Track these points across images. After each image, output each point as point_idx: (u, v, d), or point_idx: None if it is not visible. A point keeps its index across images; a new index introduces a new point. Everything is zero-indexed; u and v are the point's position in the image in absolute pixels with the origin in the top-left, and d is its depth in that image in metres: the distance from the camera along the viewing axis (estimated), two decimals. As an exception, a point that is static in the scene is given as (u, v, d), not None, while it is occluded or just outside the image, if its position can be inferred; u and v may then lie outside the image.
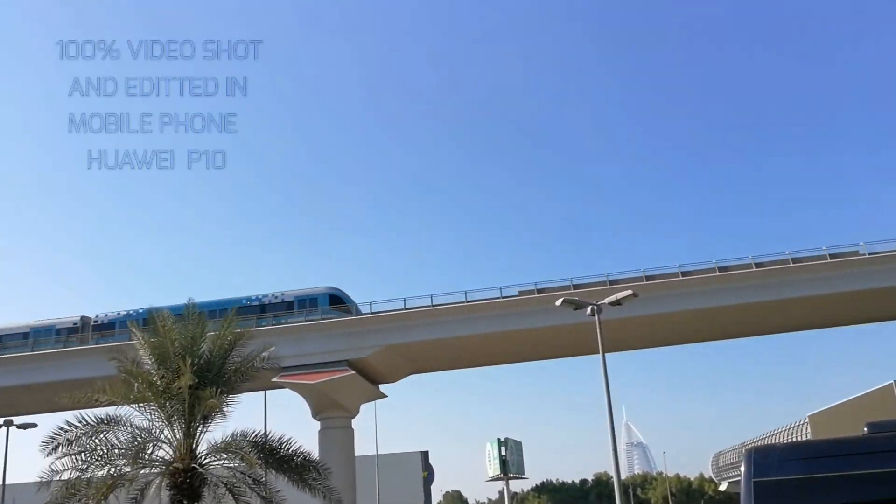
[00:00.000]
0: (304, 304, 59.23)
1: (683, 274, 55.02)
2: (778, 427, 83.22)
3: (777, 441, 73.90)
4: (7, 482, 43.69)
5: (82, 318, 62.32)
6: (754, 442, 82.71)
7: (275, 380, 52.58)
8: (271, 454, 23.78)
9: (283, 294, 60.68)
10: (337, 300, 59.87)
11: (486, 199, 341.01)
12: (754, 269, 54.19)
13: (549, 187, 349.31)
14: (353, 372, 55.89)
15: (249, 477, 23.50)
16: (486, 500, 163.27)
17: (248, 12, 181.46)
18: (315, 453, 26.12)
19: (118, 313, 61.67)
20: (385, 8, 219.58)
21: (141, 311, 57.22)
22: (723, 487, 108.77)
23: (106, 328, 61.09)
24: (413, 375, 66.02)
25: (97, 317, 62.65)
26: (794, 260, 54.18)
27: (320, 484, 24.28)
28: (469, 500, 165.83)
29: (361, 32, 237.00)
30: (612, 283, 53.55)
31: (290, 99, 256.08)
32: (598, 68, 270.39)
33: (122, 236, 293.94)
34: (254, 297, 60.52)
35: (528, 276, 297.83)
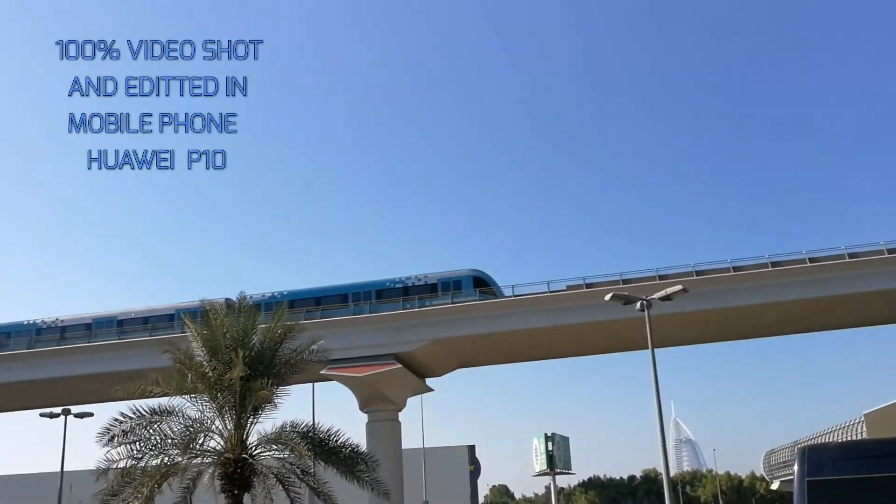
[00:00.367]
0: (448, 286, 58.38)
1: (735, 269, 54.16)
2: (832, 425, 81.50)
3: (831, 440, 72.40)
4: (65, 469, 44.96)
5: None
6: (808, 440, 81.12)
7: (323, 372, 53.18)
8: (320, 445, 23.98)
9: (426, 276, 59.78)
10: (481, 283, 58.76)
11: (530, 195, 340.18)
12: (808, 265, 53.10)
13: (599, 182, 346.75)
14: (400, 365, 56.22)
15: (298, 468, 23.76)
16: (532, 495, 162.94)
17: (248, 12, 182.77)
18: (362, 446, 26.22)
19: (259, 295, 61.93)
20: (385, 7, 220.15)
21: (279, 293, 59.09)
22: (775, 486, 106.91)
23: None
24: (460, 369, 66.17)
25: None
26: (851, 255, 52.99)
27: (368, 476, 24.43)
28: (515, 495, 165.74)
29: (361, 32, 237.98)
30: (661, 278, 53.01)
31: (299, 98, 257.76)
32: (644, 60, 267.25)
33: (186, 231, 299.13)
34: (397, 280, 60.33)
35: (577, 271, 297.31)
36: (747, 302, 53.59)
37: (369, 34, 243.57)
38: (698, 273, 53.92)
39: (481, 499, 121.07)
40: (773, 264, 53.74)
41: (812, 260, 53.36)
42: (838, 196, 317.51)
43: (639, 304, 30.39)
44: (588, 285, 55.23)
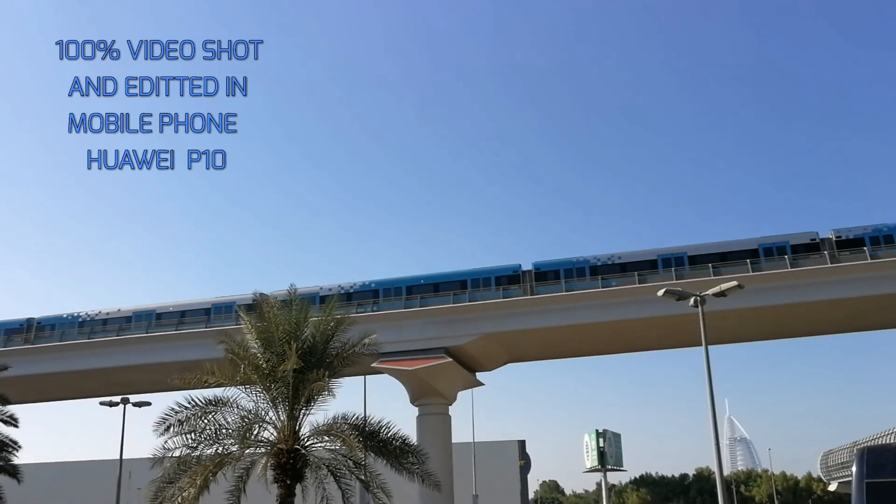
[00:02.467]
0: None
1: (792, 265, 52.99)
2: (893, 426, 79.32)
3: (891, 441, 70.49)
4: (123, 457, 46.06)
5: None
6: (867, 441, 79.07)
7: (374, 365, 53.44)
8: (371, 438, 24.14)
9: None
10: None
11: (584, 189, 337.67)
12: (869, 262, 51.71)
13: (651, 177, 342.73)
14: (451, 359, 56.23)
15: (350, 460, 23.95)
16: (583, 492, 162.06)
17: (248, 12, 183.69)
18: (412, 439, 26.33)
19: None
20: (384, 5, 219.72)
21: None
22: (832, 487, 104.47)
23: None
24: (511, 364, 66.00)
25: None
26: (914, 252, 51.49)
27: (418, 469, 24.54)
28: (566, 491, 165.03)
29: (362, 31, 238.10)
30: (716, 273, 52.16)
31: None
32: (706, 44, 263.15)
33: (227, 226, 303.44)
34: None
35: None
36: (805, 299, 52.36)
37: (369, 34, 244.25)
38: (754, 269, 52.89)
39: (531, 494, 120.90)
40: (832, 261, 52.48)
41: (873, 257, 51.97)
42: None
43: (692, 300, 29.95)
44: (641, 281, 54.58)
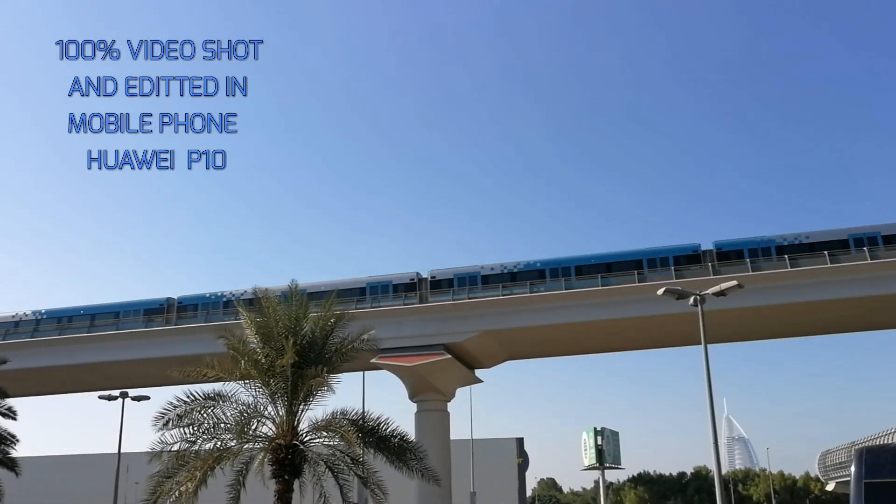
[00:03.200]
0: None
1: (792, 265, 52.98)
2: (891, 427, 79.35)
3: (890, 441, 70.52)
4: (122, 451, 46.08)
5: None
6: (865, 442, 79.10)
7: (373, 361, 53.56)
8: (370, 434, 24.12)
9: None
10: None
11: (584, 189, 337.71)
12: (868, 262, 51.71)
13: (652, 176, 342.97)
14: (450, 356, 56.30)
15: (348, 456, 23.95)
16: (580, 490, 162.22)
17: (248, 12, 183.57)
18: (411, 435, 26.32)
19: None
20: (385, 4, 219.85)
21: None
22: (830, 487, 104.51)
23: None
24: (509, 361, 66.04)
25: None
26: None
27: (417, 465, 24.54)
28: (564, 489, 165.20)
29: (362, 31, 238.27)
30: (716, 273, 52.19)
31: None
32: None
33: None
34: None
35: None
36: (804, 298, 52.40)
37: (369, 33, 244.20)
38: (754, 269, 52.90)
39: (529, 492, 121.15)
40: (832, 261, 52.47)
41: (872, 257, 51.98)
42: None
43: (692, 300, 29.97)
44: (641, 279, 54.57)
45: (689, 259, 55.54)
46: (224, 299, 62.21)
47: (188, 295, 65.19)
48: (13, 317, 67.19)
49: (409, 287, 59.75)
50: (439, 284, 59.35)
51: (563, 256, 58.80)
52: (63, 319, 65.87)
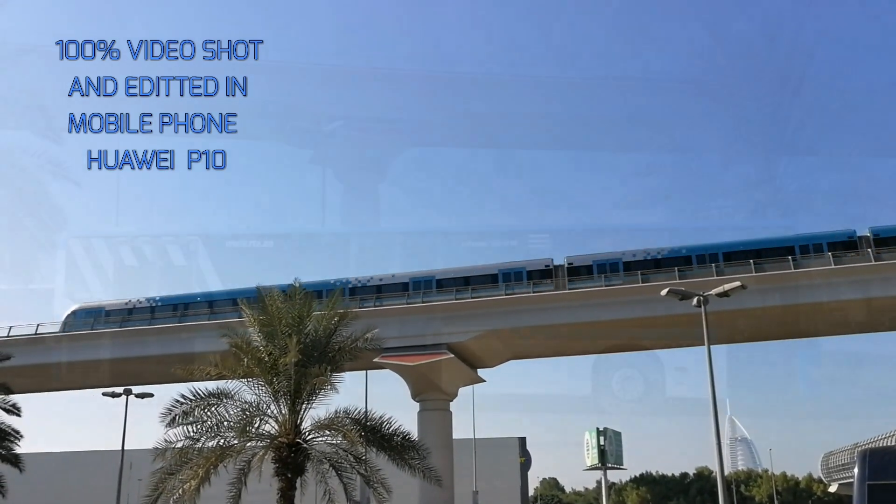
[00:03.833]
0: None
1: (796, 266, 52.86)
2: (894, 429, 79.20)
3: (894, 443, 70.39)
4: (125, 448, 46.21)
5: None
6: (869, 443, 78.96)
7: (376, 360, 53.50)
8: (372, 432, 24.18)
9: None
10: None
11: (583, 188, 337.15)
12: (874, 264, 51.59)
13: (654, 168, 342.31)
14: (453, 355, 56.28)
15: (351, 454, 23.99)
16: (583, 490, 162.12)
17: (248, 12, 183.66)
18: (413, 434, 26.37)
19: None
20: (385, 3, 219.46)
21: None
22: (833, 489, 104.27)
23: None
24: (513, 360, 66.02)
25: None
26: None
27: (420, 464, 24.57)
28: (566, 489, 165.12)
29: (363, 30, 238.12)
30: (720, 273, 52.08)
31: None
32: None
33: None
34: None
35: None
36: (809, 300, 52.25)
37: (370, 33, 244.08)
38: (758, 269, 52.78)
39: (531, 491, 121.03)
40: (836, 262, 52.35)
41: (878, 259, 51.86)
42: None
43: (695, 300, 29.93)
44: (644, 280, 54.50)
45: (845, 246, 53.62)
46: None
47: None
48: (126, 304, 67.37)
49: (544, 274, 57.89)
50: (577, 272, 57.34)
51: (711, 242, 56.75)
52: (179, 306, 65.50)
